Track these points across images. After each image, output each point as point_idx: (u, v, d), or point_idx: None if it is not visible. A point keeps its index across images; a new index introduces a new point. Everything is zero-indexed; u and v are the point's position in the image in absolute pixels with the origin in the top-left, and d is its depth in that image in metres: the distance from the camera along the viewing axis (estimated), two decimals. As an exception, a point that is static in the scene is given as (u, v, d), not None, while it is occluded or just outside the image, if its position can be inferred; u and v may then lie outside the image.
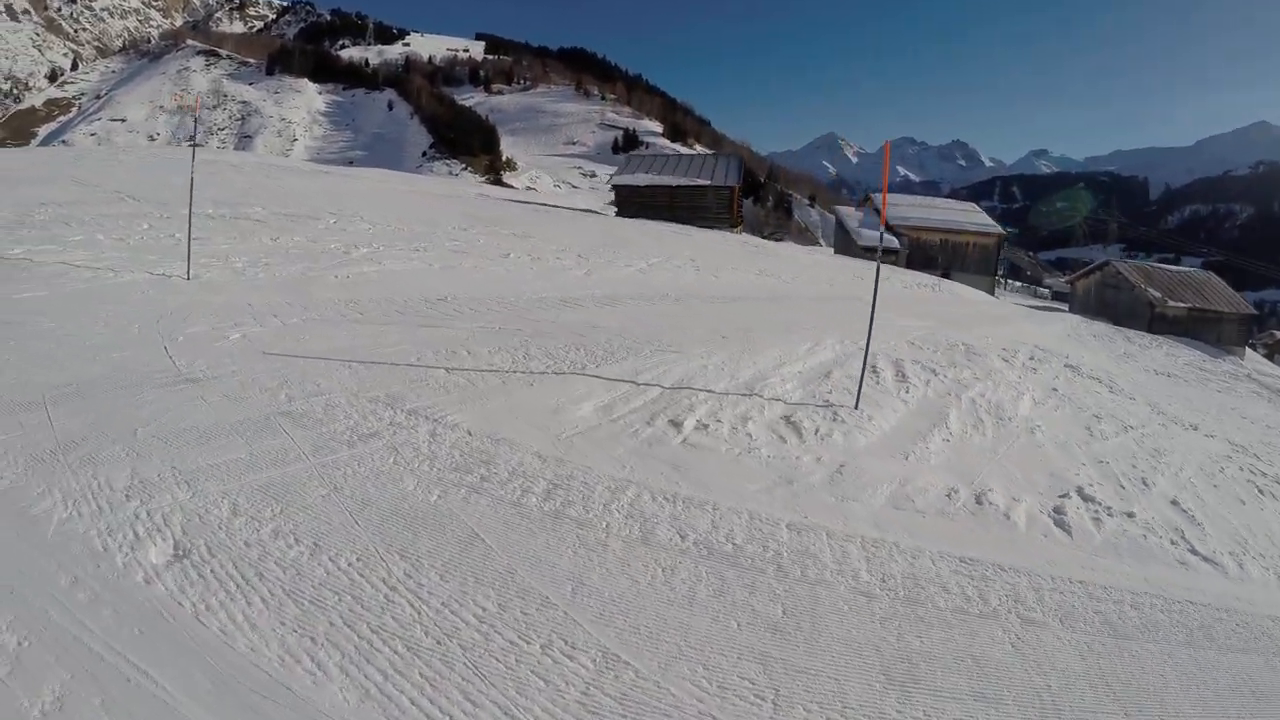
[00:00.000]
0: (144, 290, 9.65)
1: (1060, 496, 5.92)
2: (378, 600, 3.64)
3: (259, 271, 11.43)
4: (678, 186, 37.22)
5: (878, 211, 43.02)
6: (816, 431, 6.49)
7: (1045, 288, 67.99)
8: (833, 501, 5.25)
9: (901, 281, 23.41)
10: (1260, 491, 7.13)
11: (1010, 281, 61.25)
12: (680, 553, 4.33)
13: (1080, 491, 6.07)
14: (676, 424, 6.24)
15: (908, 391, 8.24)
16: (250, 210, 17.28)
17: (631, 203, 37.54)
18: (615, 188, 39.71)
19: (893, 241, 39.83)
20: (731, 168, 39.24)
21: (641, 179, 38.25)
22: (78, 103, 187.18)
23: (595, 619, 3.67)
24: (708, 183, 37.17)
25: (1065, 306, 39.49)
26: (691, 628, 3.70)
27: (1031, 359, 11.90)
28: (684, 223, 34.04)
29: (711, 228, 34.06)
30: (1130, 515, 5.74)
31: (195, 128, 12.96)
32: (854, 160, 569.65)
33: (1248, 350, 33.34)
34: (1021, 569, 4.60)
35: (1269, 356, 41.96)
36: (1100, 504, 5.86)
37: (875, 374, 8.64)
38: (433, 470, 5.07)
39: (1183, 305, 31.59)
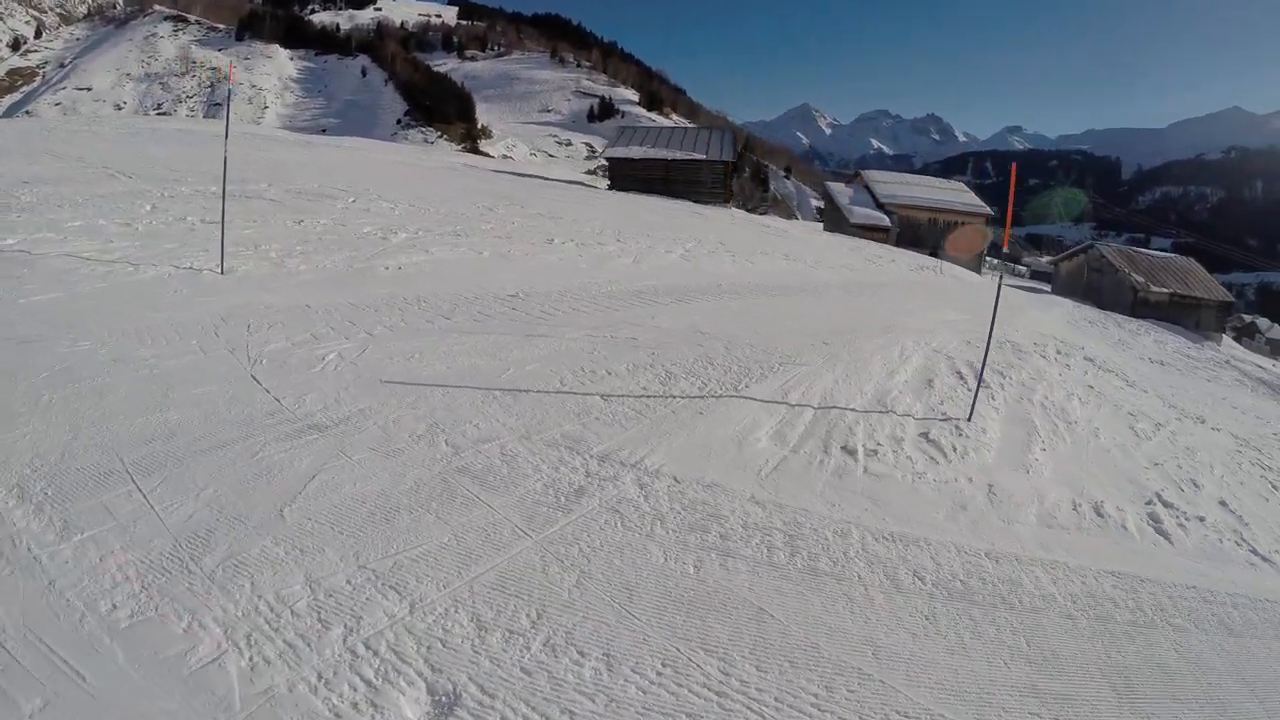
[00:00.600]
0: (176, 289, 8.40)
1: (1147, 504, 6.17)
2: (714, 713, 3.17)
3: (298, 262, 10.31)
4: (673, 161, 36.90)
5: (867, 188, 43.11)
6: (955, 449, 6.47)
7: (1024, 266, 68.55)
8: (1002, 525, 5.31)
9: (906, 264, 23.38)
10: (1275, 487, 7.63)
11: (990, 259, 61.77)
12: (928, 596, 4.27)
13: (1160, 497, 6.36)
14: (850, 451, 6.08)
15: (994, 398, 8.23)
16: (257, 187, 16.23)
17: (626, 176, 37.17)
18: (609, 160, 39.31)
19: (883, 219, 39.92)
20: (726, 142, 39.01)
21: (636, 152, 37.84)
22: (41, 71, 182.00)
23: (907, 682, 3.55)
24: (703, 157, 36.92)
25: (1046, 287, 39.84)
26: (976, 673, 3.71)
27: (1059, 353, 11.91)
28: (679, 197, 33.86)
29: (706, 202, 33.86)
30: (1202, 519, 6.06)
31: (229, 100, 11.71)
32: (828, 132, 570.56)
33: (1224, 336, 33.83)
34: (1152, 578, 4.87)
35: (1237, 339, 42.74)
36: (1177, 509, 6.17)
37: (962, 379, 8.74)
38: (669, 534, 4.45)
39: (1164, 291, 31.96)
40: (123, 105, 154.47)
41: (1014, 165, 7.97)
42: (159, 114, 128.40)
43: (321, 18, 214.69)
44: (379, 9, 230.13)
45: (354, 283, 9.64)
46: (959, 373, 8.99)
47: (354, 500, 4.34)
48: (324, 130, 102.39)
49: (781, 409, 6.74)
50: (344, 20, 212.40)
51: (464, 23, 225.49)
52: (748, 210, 38.17)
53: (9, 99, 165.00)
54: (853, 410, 7.03)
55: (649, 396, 6.62)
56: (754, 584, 4.07)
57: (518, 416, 5.86)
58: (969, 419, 7.22)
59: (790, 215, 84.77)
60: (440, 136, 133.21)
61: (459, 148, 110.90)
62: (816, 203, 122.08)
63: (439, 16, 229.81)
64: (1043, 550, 4.99)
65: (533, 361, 7.17)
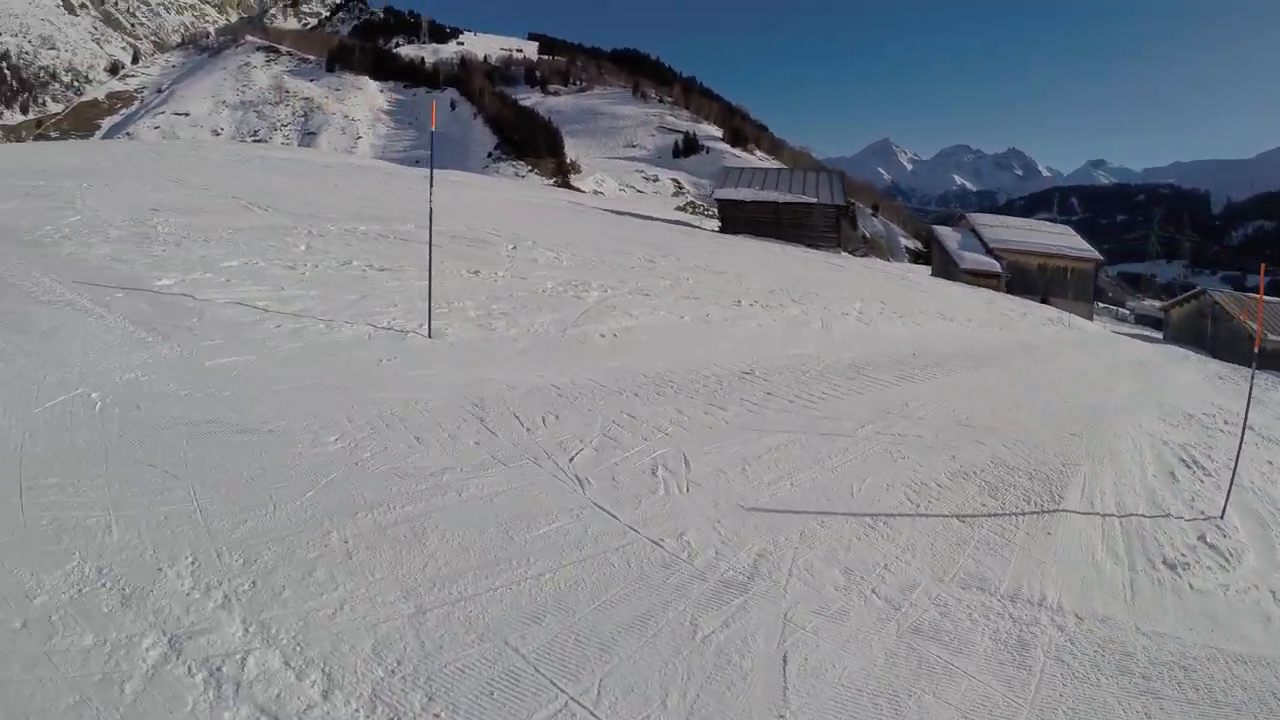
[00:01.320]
0: (389, 357, 7.56)
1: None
2: None
3: (505, 325, 9.45)
4: (784, 204, 36.84)
5: (974, 232, 42.35)
6: (1231, 553, 6.30)
7: (1127, 310, 66.38)
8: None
9: (1036, 317, 22.66)
10: None
11: (1095, 303, 60.10)
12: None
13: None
14: (1171, 566, 5.90)
15: (1219, 487, 7.91)
16: (404, 229, 15.20)
17: (737, 219, 37.18)
18: (719, 202, 39.56)
19: (994, 265, 39.17)
20: (835, 186, 38.83)
21: (745, 194, 37.93)
22: (139, 96, 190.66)
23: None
24: (814, 200, 36.80)
25: (1155, 333, 38.49)
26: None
27: (1227, 423, 11.46)
28: (791, 241, 33.97)
29: (818, 246, 33.79)
30: None
31: (433, 142, 10.88)
32: (909, 167, 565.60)
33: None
34: None
35: (1336, 385, 40.47)
36: None
37: (1190, 469, 8.52)
38: (1109, 681, 4.21)
39: (1281, 339, 30.47)
40: (220, 131, 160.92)
41: (1262, 265, 7.78)
42: (255, 140, 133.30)
43: (406, 51, 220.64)
44: (461, 43, 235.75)
45: (575, 353, 8.94)
46: (1183, 460, 8.81)
47: (845, 688, 3.70)
48: (417, 162, 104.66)
49: (1098, 520, 6.56)
50: (428, 54, 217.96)
51: (545, 57, 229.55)
52: (849, 252, 37.90)
53: (109, 120, 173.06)
54: (1146, 517, 6.88)
55: (992, 515, 6.28)
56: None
57: (911, 551, 5.37)
58: (1222, 516, 7.10)
59: (885, 256, 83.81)
60: (531, 170, 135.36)
61: (550, 182, 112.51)
62: (906, 242, 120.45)
63: (520, 51, 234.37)
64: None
65: (866, 474, 6.60)
